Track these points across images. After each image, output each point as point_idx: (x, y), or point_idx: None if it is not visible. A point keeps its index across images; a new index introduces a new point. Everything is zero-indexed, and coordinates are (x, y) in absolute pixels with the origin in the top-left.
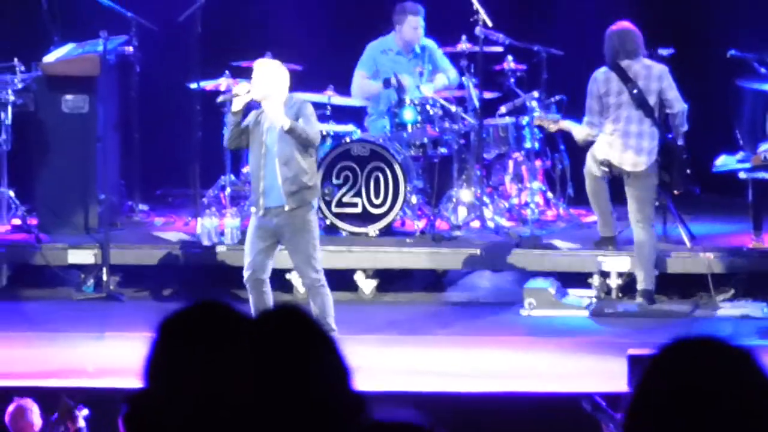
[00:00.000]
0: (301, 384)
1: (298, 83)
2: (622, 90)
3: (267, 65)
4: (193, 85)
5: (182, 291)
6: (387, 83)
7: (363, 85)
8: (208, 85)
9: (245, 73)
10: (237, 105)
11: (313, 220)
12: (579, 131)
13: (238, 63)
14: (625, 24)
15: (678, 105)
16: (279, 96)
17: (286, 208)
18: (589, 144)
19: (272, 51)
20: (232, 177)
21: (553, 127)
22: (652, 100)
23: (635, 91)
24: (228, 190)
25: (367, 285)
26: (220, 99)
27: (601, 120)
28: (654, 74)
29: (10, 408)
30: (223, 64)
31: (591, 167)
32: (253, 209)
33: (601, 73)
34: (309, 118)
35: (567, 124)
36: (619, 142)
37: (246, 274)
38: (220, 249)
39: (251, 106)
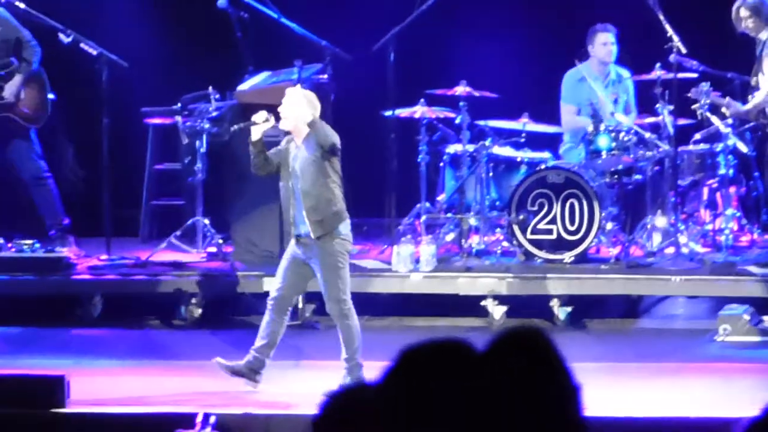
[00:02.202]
0: (534, 407)
1: (493, 111)
2: None
3: (298, 95)
4: (388, 113)
5: (377, 318)
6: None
7: (574, 121)
8: (403, 113)
9: (440, 101)
10: (256, 134)
11: (338, 247)
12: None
13: (432, 91)
14: None
15: None
16: (303, 126)
17: (312, 236)
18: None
19: (467, 79)
20: (428, 205)
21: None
22: None
23: None
24: (423, 217)
25: (561, 312)
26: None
27: None
28: None
29: None
30: (418, 92)
31: None
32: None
33: None
34: (334, 158)
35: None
36: None
37: (272, 296)
38: (415, 277)
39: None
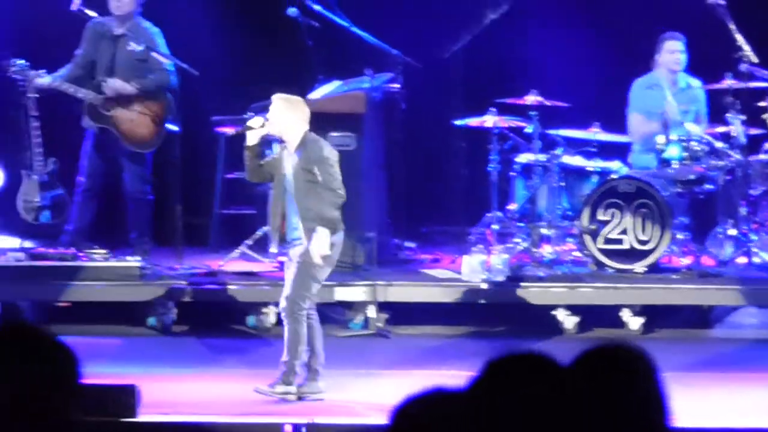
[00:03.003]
0: (622, 418)
1: (563, 120)
2: None
3: (282, 101)
4: (459, 122)
5: (447, 329)
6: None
7: (642, 129)
8: (473, 122)
9: (511, 110)
10: (251, 139)
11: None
12: None
13: (503, 100)
14: None
15: None
16: (294, 133)
17: (304, 243)
18: None
19: (538, 88)
20: (499, 214)
21: None
22: None
23: None
24: (495, 226)
25: (633, 322)
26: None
27: None
28: None
29: None
30: (489, 101)
31: None
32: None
33: None
34: (328, 170)
35: None
36: None
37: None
38: (485, 286)
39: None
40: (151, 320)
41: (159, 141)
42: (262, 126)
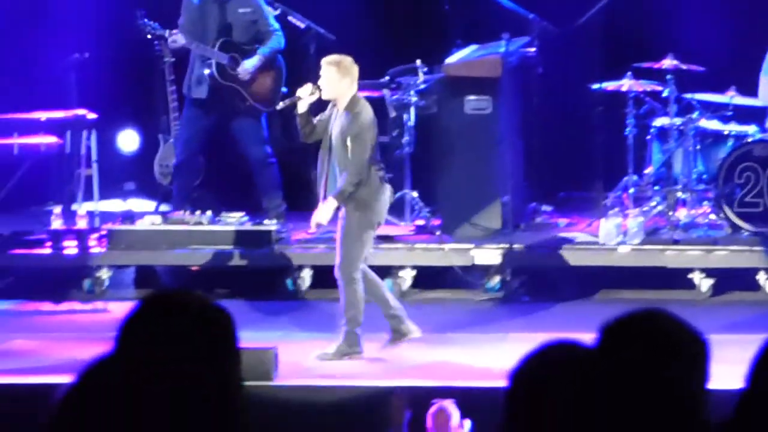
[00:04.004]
0: (662, 389)
1: (700, 84)
2: None
3: (332, 65)
4: (595, 86)
5: (583, 292)
6: None
7: None
8: (610, 86)
9: (647, 74)
10: (302, 107)
11: (359, 218)
12: None
13: (639, 64)
14: None
15: None
16: (345, 96)
17: (346, 206)
18: None
19: (675, 52)
20: (635, 178)
21: None
22: None
23: None
24: (631, 190)
25: None
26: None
27: None
28: None
29: (432, 410)
30: (626, 65)
31: None
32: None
33: None
34: (360, 144)
35: None
36: None
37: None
38: (622, 249)
39: None
40: (287, 284)
41: (275, 103)
42: (312, 94)
